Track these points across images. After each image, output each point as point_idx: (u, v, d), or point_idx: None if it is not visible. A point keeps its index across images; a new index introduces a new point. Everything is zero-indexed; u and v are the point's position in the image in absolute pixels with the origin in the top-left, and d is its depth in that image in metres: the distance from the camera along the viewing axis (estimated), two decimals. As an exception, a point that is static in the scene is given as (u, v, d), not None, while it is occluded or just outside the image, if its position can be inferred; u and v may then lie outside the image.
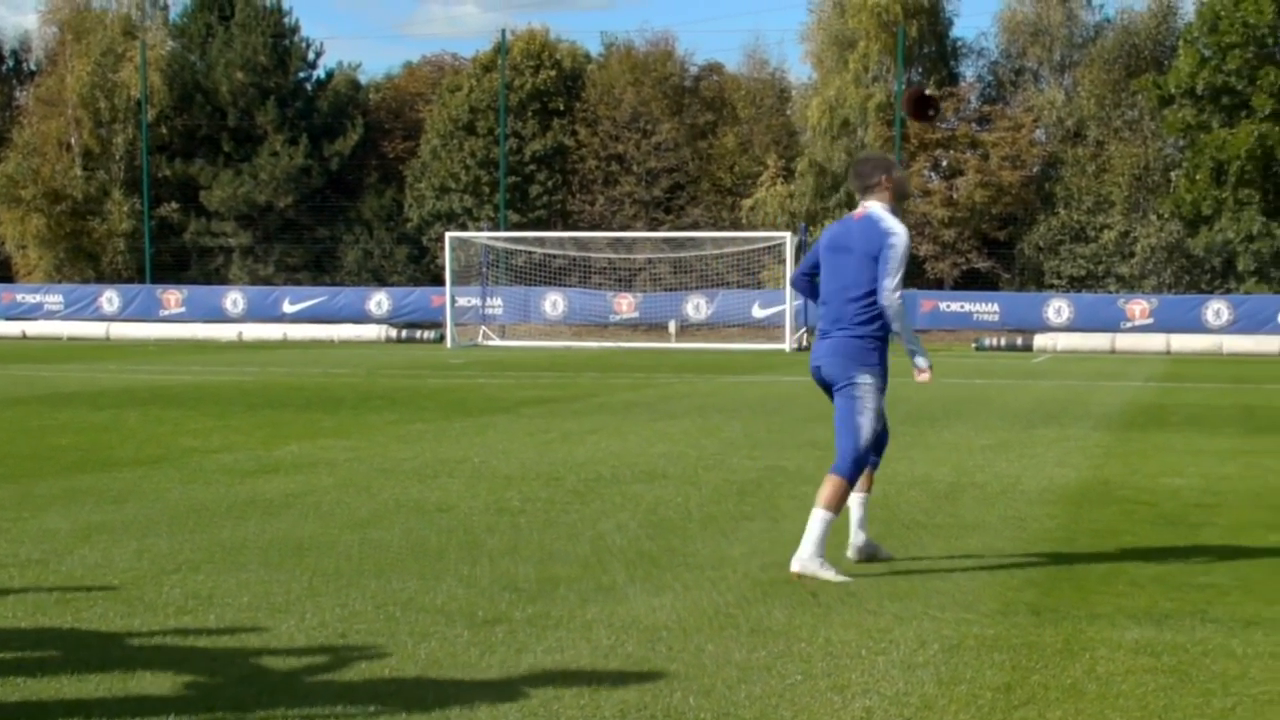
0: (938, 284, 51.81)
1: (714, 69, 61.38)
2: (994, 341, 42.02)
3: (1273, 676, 6.18)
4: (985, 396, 22.49)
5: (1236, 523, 10.07)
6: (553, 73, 58.05)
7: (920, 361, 8.36)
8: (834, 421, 8.31)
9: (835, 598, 7.60)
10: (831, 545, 8.16)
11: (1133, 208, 51.33)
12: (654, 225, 55.35)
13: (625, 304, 47.42)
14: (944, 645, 6.64)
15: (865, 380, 8.17)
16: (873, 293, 8.12)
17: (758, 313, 45.71)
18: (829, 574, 8.04)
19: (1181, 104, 49.06)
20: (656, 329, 46.53)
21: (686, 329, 46.19)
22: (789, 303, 40.85)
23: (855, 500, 8.47)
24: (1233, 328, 42.00)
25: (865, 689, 5.96)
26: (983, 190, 52.05)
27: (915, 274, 52.01)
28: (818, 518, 8.10)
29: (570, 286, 48.21)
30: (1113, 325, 43.22)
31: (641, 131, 57.18)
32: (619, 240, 50.43)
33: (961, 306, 46.01)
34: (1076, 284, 51.18)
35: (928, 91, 9.44)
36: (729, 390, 23.82)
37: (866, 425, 8.17)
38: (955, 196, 52.72)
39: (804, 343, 40.65)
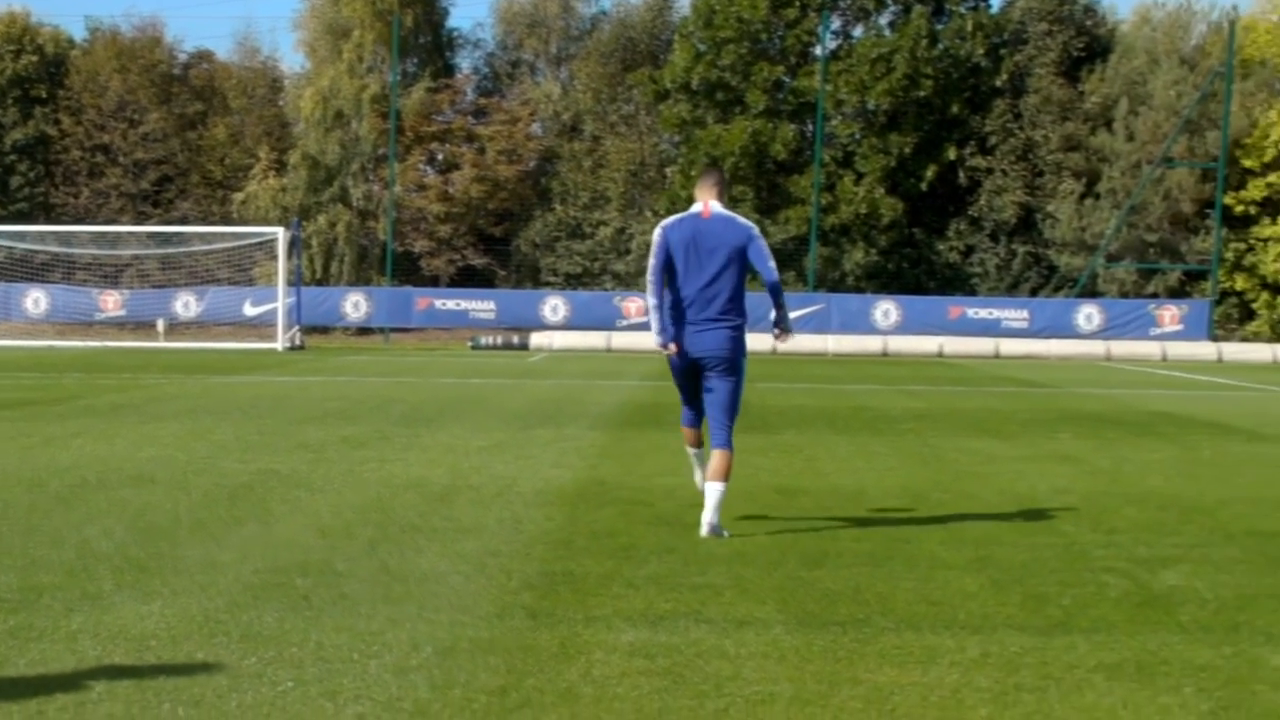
0: (433, 281, 51.95)
1: (204, 57, 60.00)
2: (491, 340, 42.34)
3: (765, 676, 6.34)
4: (482, 396, 22.70)
5: (728, 522, 10.07)
6: (34, 58, 55.80)
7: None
8: (710, 402, 9.95)
9: (327, 600, 7.56)
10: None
11: (629, 204, 52.41)
12: (141, 219, 53.79)
13: (111, 301, 46.02)
14: (438, 648, 6.66)
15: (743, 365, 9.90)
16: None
17: (249, 310, 44.99)
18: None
19: (677, 99, 50.32)
20: (144, 327, 45.25)
21: (176, 327, 45.10)
22: (281, 300, 40.35)
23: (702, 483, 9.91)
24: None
25: (357, 694, 5.96)
26: (479, 185, 52.45)
27: (410, 270, 52.06)
28: (718, 490, 9.62)
29: (53, 283, 46.52)
30: (609, 323, 44.22)
31: (128, 121, 55.52)
32: (104, 235, 48.88)
33: (458, 304, 46.27)
34: (573, 281, 51.96)
35: None
36: (220, 391, 23.36)
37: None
38: (451, 191, 52.91)
39: (297, 341, 40.19)
